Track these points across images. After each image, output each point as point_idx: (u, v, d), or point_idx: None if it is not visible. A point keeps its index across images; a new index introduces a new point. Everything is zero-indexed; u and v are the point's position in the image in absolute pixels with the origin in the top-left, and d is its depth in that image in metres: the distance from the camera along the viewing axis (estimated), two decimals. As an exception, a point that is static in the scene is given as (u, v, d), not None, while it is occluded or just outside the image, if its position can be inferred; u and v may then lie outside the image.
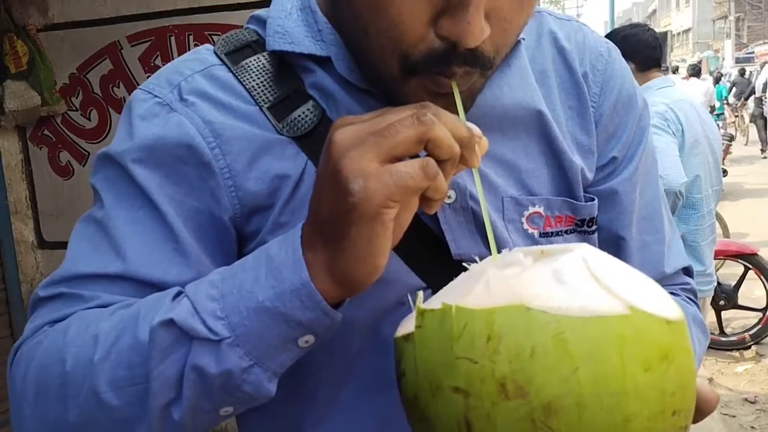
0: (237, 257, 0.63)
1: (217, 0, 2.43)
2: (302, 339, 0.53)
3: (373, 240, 0.49)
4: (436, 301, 0.49)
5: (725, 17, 37.77)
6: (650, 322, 0.44)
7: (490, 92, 0.66)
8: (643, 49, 2.45)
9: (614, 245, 0.75)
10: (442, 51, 0.53)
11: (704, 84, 8.65)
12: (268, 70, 0.65)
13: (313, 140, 0.63)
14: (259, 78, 0.64)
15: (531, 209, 0.69)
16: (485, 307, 0.45)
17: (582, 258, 0.47)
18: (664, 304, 0.46)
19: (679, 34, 50.18)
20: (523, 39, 0.69)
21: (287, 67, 0.65)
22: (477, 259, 0.59)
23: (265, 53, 0.66)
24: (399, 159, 0.48)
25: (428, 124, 0.47)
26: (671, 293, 0.78)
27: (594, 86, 0.73)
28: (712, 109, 8.69)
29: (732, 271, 4.23)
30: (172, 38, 2.50)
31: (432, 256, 0.66)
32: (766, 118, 12.38)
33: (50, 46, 2.60)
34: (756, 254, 3.91)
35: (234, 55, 0.66)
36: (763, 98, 11.90)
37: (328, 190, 0.50)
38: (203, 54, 0.68)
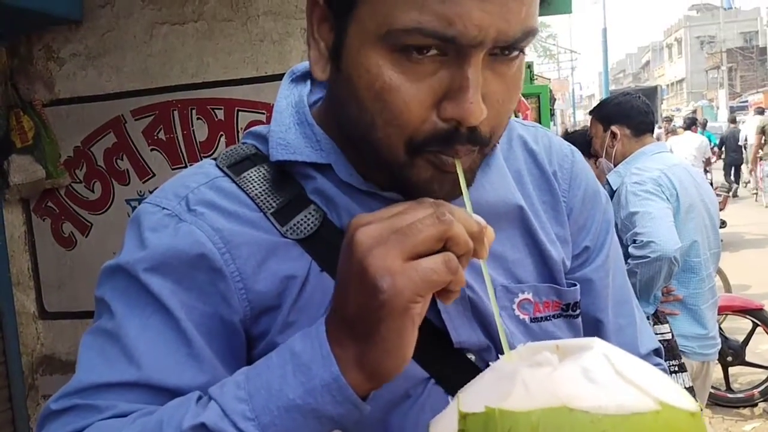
0: (246, 361, 0.65)
1: (218, 75, 2.49)
2: None
3: (402, 334, 0.52)
4: (473, 403, 0.50)
5: (718, 67, 38.44)
6: (678, 415, 0.47)
7: (475, 190, 0.69)
8: (636, 114, 2.49)
9: (593, 327, 0.80)
10: (446, 132, 0.58)
11: (698, 138, 8.74)
12: (269, 179, 0.69)
13: (316, 242, 0.67)
14: (261, 187, 0.68)
15: (521, 296, 0.74)
16: (528, 410, 0.47)
17: (603, 355, 0.50)
18: (682, 396, 0.49)
19: (672, 84, 50.98)
20: (498, 144, 0.73)
21: (287, 176, 0.69)
22: (475, 348, 0.66)
23: (264, 164, 0.70)
24: (421, 256, 0.51)
25: (448, 223, 0.51)
26: None
27: (563, 183, 0.80)
28: (708, 161, 8.76)
29: (737, 325, 4.20)
30: (175, 112, 2.55)
31: (433, 346, 0.69)
32: (736, 167, 12.46)
33: (55, 121, 2.66)
34: (762, 309, 3.88)
35: (235, 167, 0.70)
36: (744, 146, 11.99)
37: (355, 288, 0.52)
38: (206, 168, 0.71)
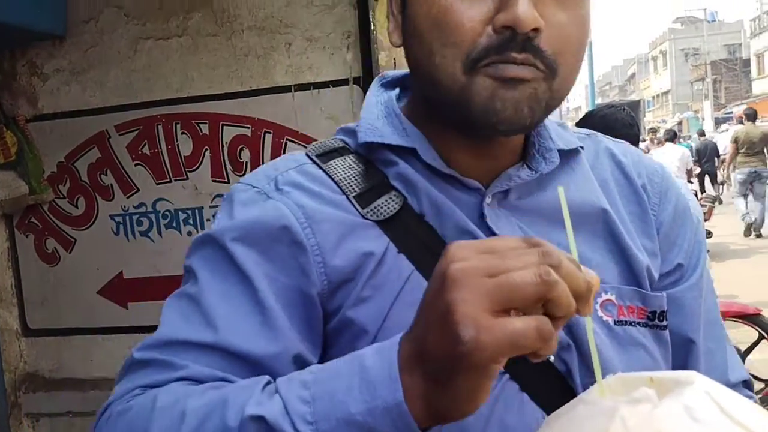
0: (322, 335, 0.69)
1: (203, 90, 2.48)
2: None
3: (476, 388, 0.49)
4: None
5: (702, 79, 38.87)
6: None
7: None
8: (620, 127, 2.52)
9: (685, 348, 0.78)
10: (500, 41, 0.61)
11: (680, 149, 8.83)
12: (354, 167, 0.74)
13: (395, 225, 0.70)
14: (346, 173, 0.73)
15: (603, 296, 0.73)
16: None
17: (705, 392, 0.47)
18: None
19: (658, 96, 51.49)
20: (582, 148, 0.78)
21: (371, 166, 0.74)
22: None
23: (351, 155, 0.75)
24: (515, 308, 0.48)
25: (551, 285, 0.46)
26: None
27: (653, 196, 0.80)
28: (690, 173, 8.84)
29: (734, 334, 4.20)
30: (160, 127, 2.54)
31: (558, 389, 0.68)
32: (711, 176, 12.63)
33: (39, 136, 2.64)
34: (760, 314, 3.86)
35: (323, 156, 0.75)
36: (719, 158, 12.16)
37: (436, 327, 0.49)
38: (297, 156, 0.78)
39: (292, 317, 0.67)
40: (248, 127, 2.48)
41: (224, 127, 2.50)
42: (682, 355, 0.78)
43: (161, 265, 2.61)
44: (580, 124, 2.67)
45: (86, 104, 2.59)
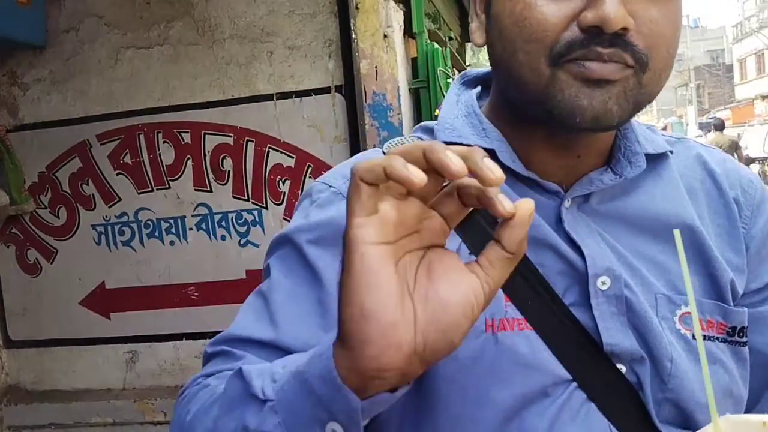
0: None
1: (185, 99, 2.48)
2: (328, 426, 0.50)
3: (352, 269, 0.45)
4: None
5: (686, 85, 39.23)
6: None
7: (645, 197, 0.72)
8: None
9: None
10: (586, 37, 0.59)
11: None
12: None
13: (469, 226, 0.65)
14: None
15: (683, 308, 0.70)
16: None
17: None
18: None
19: (643, 101, 51.87)
20: (671, 152, 0.75)
21: None
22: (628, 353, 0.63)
23: None
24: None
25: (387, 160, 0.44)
26: None
27: (746, 209, 0.76)
28: None
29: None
30: (141, 136, 2.53)
31: (580, 346, 0.66)
32: None
33: (19, 146, 2.62)
34: None
35: None
36: None
37: None
38: (374, 153, 0.77)
39: None
40: (230, 136, 2.48)
41: (206, 135, 2.50)
42: (764, 376, 0.75)
43: (144, 274, 2.60)
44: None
45: (67, 114, 2.58)
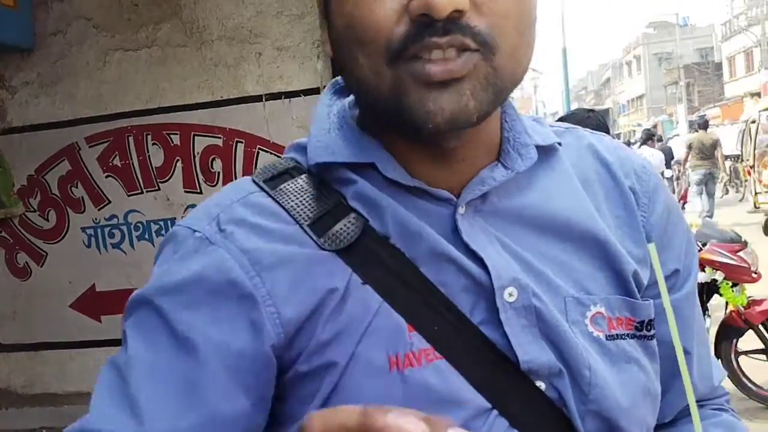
0: (275, 387, 0.62)
1: (173, 101, 2.48)
2: None
3: None
4: None
5: (676, 83, 39.43)
6: None
7: (540, 194, 0.68)
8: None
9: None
10: (418, 28, 0.54)
11: (653, 151, 9.09)
12: (307, 190, 0.66)
13: (357, 252, 0.62)
14: (298, 198, 0.65)
15: (593, 309, 0.66)
16: None
17: None
18: None
19: (633, 100, 52.11)
20: (559, 144, 0.72)
21: (326, 186, 0.66)
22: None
23: (303, 176, 0.67)
24: None
25: None
26: (720, 408, 0.78)
27: (643, 197, 0.73)
28: (661, 174, 9.14)
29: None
30: (131, 138, 2.53)
31: (496, 368, 0.62)
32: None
33: (8, 150, 2.61)
34: None
35: (272, 182, 0.67)
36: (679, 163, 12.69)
37: None
38: (242, 184, 0.69)
39: (236, 382, 0.59)
40: (220, 137, 2.48)
41: (195, 137, 2.50)
42: (675, 364, 0.71)
43: (134, 277, 2.59)
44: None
45: (56, 116, 2.57)
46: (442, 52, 0.55)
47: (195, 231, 0.64)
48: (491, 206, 0.66)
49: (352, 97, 0.72)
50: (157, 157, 2.53)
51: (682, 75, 38.20)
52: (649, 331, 0.69)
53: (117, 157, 2.55)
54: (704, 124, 11.83)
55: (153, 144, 2.52)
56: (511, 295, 0.62)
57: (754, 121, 11.21)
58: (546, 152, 0.70)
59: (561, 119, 2.70)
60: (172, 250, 0.65)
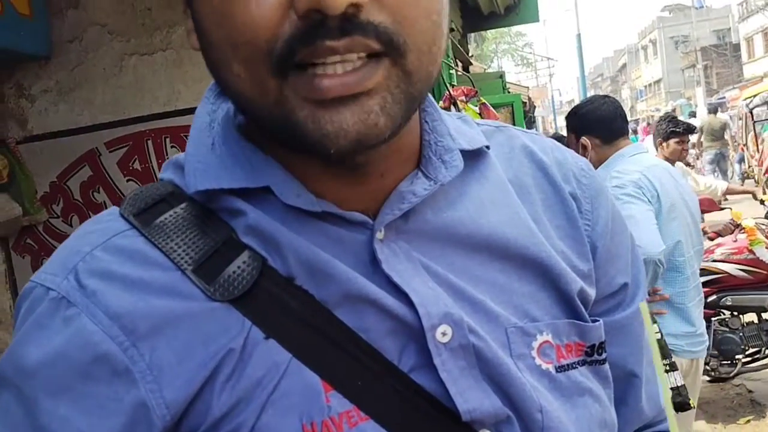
0: None
1: (190, 103, 2.48)
2: None
3: None
4: None
5: (693, 66, 38.94)
6: None
7: (472, 206, 0.59)
8: (606, 122, 2.49)
9: (626, 382, 0.66)
10: (307, 28, 0.43)
11: None
12: (188, 224, 0.53)
13: (255, 300, 0.51)
14: (178, 237, 0.53)
15: (539, 338, 0.58)
16: None
17: None
18: None
19: (650, 85, 51.54)
20: (487, 147, 0.62)
21: (213, 217, 0.54)
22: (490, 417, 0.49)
23: (183, 204, 0.55)
24: None
25: None
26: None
27: (585, 203, 0.64)
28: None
29: None
30: (149, 142, 2.54)
31: (433, 423, 0.52)
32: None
33: (30, 157, 2.64)
34: None
35: (145, 215, 0.54)
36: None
37: None
38: (105, 222, 0.56)
39: None
40: (238, 137, 2.48)
41: (214, 138, 2.50)
42: (623, 388, 0.66)
43: (158, 279, 2.61)
44: (567, 121, 2.66)
45: (75, 123, 2.60)
46: (339, 57, 0.44)
47: (49, 289, 0.52)
48: (415, 225, 0.56)
49: None
50: (176, 159, 2.54)
51: (700, 58, 37.70)
52: (600, 354, 0.61)
53: (137, 160, 2.56)
54: (714, 109, 13.27)
55: (171, 146, 2.53)
56: (444, 334, 0.53)
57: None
58: (474, 157, 0.61)
59: (577, 106, 2.66)
60: (27, 312, 0.52)
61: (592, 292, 0.63)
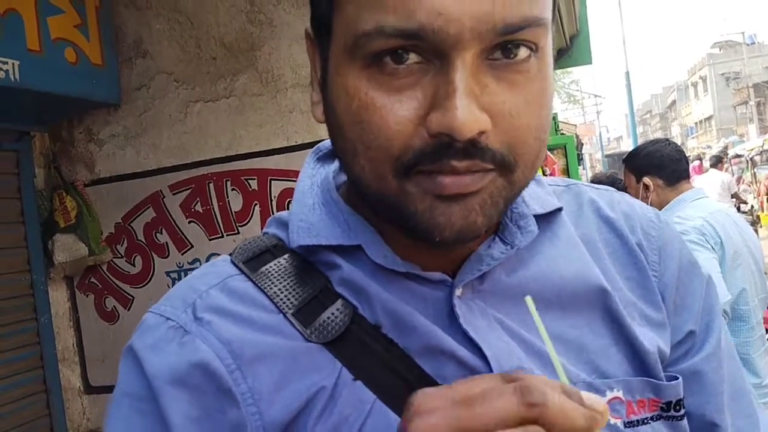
0: None
1: (251, 147, 2.56)
2: None
3: None
4: None
5: (746, 102, 38.14)
6: None
7: (545, 264, 0.62)
8: (668, 163, 2.45)
9: None
10: (436, 146, 0.48)
11: (720, 175, 8.87)
12: (290, 273, 0.60)
13: (346, 344, 0.56)
14: (281, 283, 0.59)
15: (609, 394, 0.59)
16: None
17: None
18: None
19: (701, 122, 50.61)
20: (561, 209, 0.66)
21: (311, 267, 0.60)
22: None
23: (286, 256, 0.61)
24: None
25: (537, 401, 0.39)
26: None
27: (651, 254, 0.66)
28: (735, 195, 8.92)
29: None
30: (211, 185, 2.62)
31: None
32: None
33: (97, 199, 2.75)
34: None
35: (252, 263, 0.61)
36: None
37: None
38: (219, 266, 0.62)
39: None
40: (295, 180, 2.53)
41: (272, 181, 2.57)
42: None
43: (216, 319, 2.66)
44: (626, 162, 2.63)
45: (141, 166, 2.70)
46: (458, 177, 0.50)
47: (168, 319, 0.58)
48: (491, 285, 0.60)
49: (336, 165, 0.65)
50: (236, 201, 2.61)
51: (752, 94, 36.94)
52: (678, 411, 0.61)
53: (198, 203, 2.64)
54: (715, 162, 11.68)
55: (232, 189, 2.60)
56: None
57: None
58: (548, 218, 0.64)
59: (639, 147, 2.64)
60: (144, 337, 0.58)
61: (667, 342, 0.64)
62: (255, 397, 0.55)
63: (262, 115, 2.55)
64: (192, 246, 2.67)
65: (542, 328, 0.46)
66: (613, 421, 0.59)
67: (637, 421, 0.60)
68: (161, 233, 2.70)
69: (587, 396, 0.41)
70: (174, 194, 2.67)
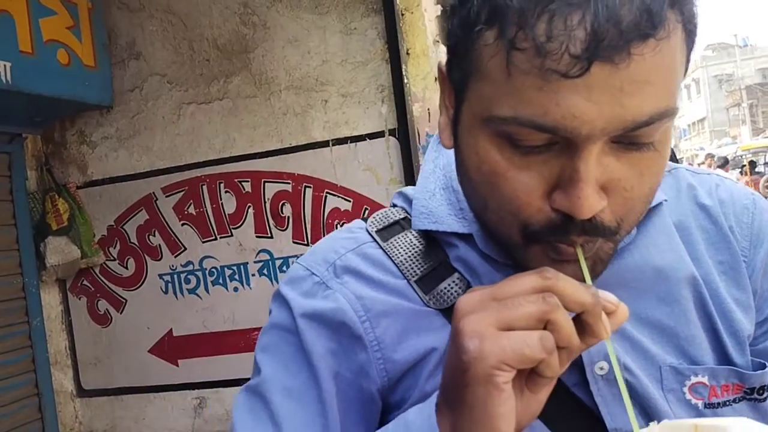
0: (380, 425, 0.65)
1: (244, 149, 2.56)
2: None
3: (488, 403, 0.48)
4: None
5: (738, 104, 38.33)
6: None
7: (639, 254, 0.66)
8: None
9: None
10: (560, 222, 0.54)
11: (727, 176, 9.07)
12: (415, 245, 0.69)
13: None
14: (407, 253, 0.68)
15: (693, 379, 0.64)
16: None
17: None
18: None
19: (694, 123, 50.82)
20: (665, 201, 0.69)
21: (433, 242, 0.69)
22: None
23: (412, 230, 0.70)
24: (517, 329, 0.48)
25: (551, 306, 0.47)
26: None
27: (742, 240, 0.70)
28: None
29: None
30: (204, 187, 2.62)
31: (587, 430, 0.63)
32: None
33: (89, 202, 2.74)
34: None
35: (384, 232, 0.71)
36: None
37: (450, 353, 0.51)
38: (356, 232, 0.73)
39: (349, 414, 0.65)
40: (289, 183, 2.54)
41: (266, 183, 2.57)
42: None
43: (209, 321, 2.66)
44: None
45: (133, 169, 2.69)
46: (576, 245, 0.56)
47: (314, 274, 0.69)
48: None
49: None
50: (229, 204, 2.61)
51: (745, 96, 37.12)
52: (761, 394, 0.65)
53: (192, 205, 2.64)
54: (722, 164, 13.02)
55: (226, 192, 2.60)
56: (602, 368, 0.63)
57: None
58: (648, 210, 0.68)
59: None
60: (294, 287, 0.70)
61: (751, 322, 0.68)
62: (381, 345, 0.65)
63: (256, 117, 2.55)
64: (185, 248, 2.66)
65: (611, 350, 0.52)
66: (694, 401, 0.64)
67: (719, 403, 0.64)
68: (154, 236, 2.69)
69: (603, 292, 0.49)
70: (167, 196, 2.66)
